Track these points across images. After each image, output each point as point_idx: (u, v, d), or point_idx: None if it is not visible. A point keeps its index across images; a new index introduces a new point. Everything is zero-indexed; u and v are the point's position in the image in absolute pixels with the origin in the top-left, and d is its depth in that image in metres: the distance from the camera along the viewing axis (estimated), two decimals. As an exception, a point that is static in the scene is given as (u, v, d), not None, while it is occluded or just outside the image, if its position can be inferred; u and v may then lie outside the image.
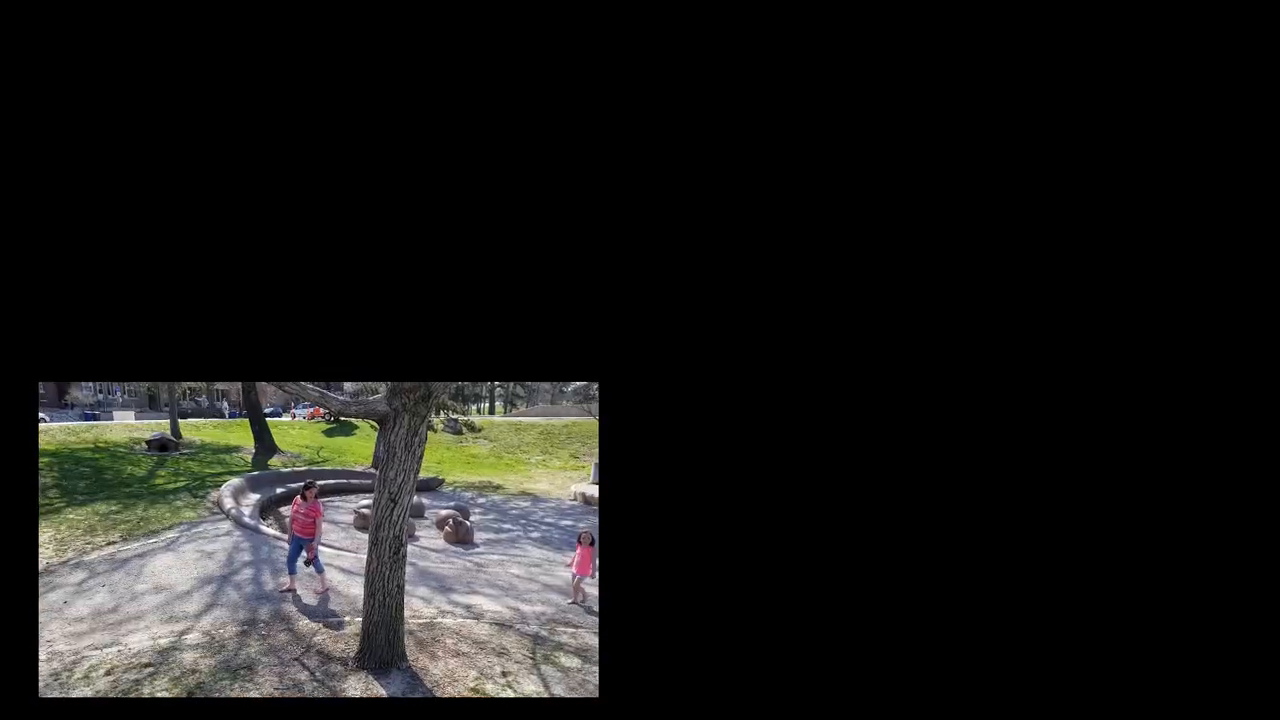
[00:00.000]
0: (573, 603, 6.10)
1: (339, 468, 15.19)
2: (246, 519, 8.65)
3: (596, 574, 6.15)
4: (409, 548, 8.51)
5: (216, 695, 3.55)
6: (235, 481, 11.19)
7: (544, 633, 5.09)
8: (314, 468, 14.91)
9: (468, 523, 9.83)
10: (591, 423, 22.31)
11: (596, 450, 19.70)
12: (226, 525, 8.24)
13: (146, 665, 3.90)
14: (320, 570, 5.86)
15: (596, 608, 5.80)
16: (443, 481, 15.04)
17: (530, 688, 4.01)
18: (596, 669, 4.38)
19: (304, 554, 5.82)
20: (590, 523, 11.71)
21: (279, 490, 11.86)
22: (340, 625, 4.83)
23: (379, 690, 3.78)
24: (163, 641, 4.34)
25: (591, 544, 6.23)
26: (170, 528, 8.10)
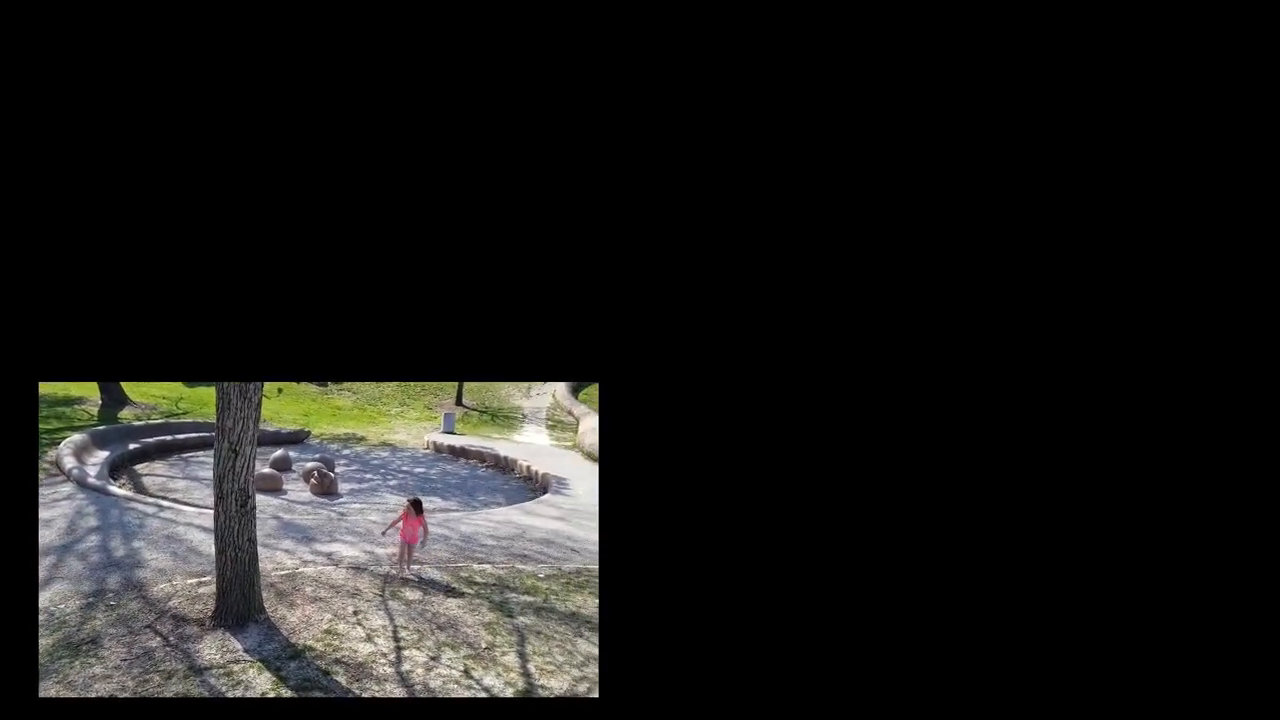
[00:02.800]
0: (400, 575, 4.76)
1: (200, 420, 13.20)
2: (92, 479, 7.26)
3: (424, 542, 5.15)
4: (276, 501, 7.79)
5: (54, 674, 3.07)
6: (77, 438, 9.13)
7: (393, 571, 4.93)
8: (172, 420, 12.87)
9: (332, 474, 9.09)
10: (448, 377, 21.31)
11: (448, 401, 18.94)
12: (68, 488, 6.91)
13: (-25, 649, 3.26)
14: None
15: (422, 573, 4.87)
16: (309, 434, 13.69)
17: (378, 622, 3.91)
18: (438, 598, 4.34)
19: None
20: (440, 469, 11.32)
21: (133, 446, 10.12)
22: (199, 585, 4.33)
23: (235, 645, 3.48)
24: (-6, 622, 3.63)
25: (420, 512, 4.96)
26: None
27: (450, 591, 4.22)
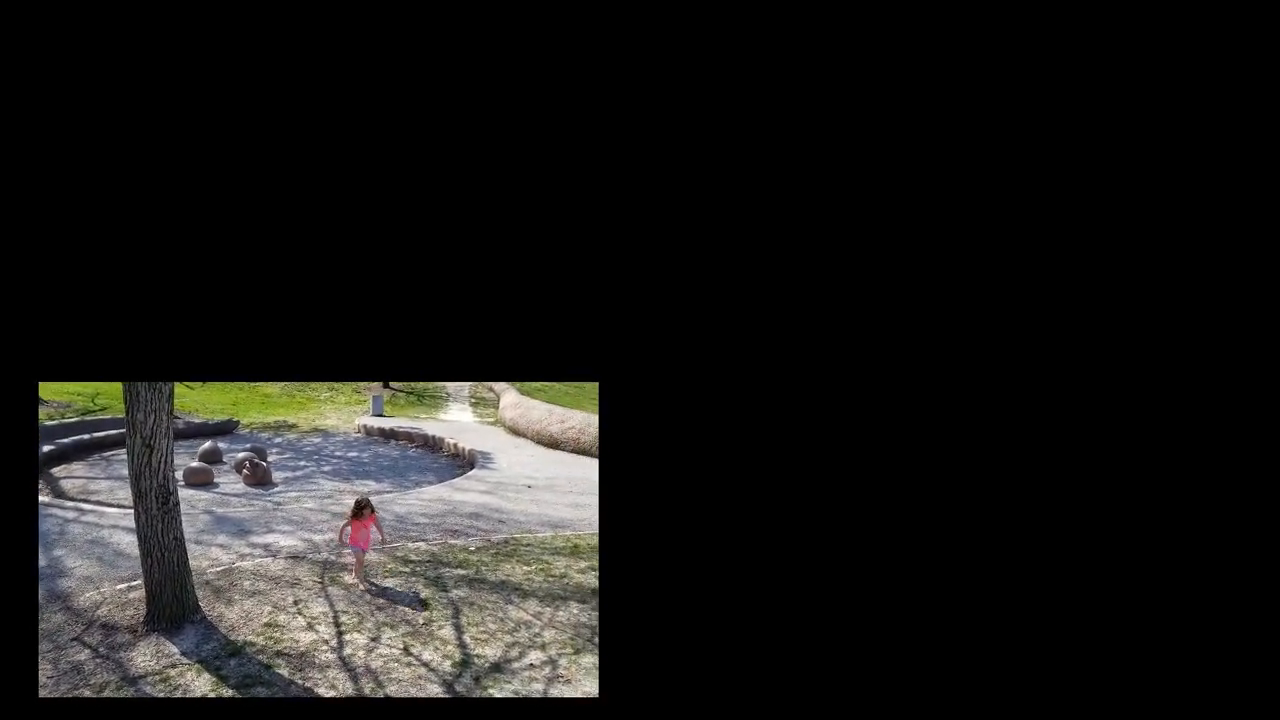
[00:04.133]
0: (361, 584, 4.15)
1: (121, 416, 11.71)
2: (2, 489, 6.37)
3: (381, 541, 4.62)
4: (208, 495, 7.17)
5: None
6: (-17, 447, 8.00)
7: (332, 557, 4.75)
8: (89, 418, 11.38)
9: (265, 464, 8.45)
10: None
11: (375, 384, 17.95)
12: (-25, 500, 6.00)
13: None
14: None
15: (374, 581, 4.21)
16: (238, 424, 12.55)
17: (319, 609, 3.78)
18: (377, 580, 4.25)
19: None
20: (372, 452, 10.80)
21: (48, 448, 8.90)
22: (129, 590, 3.97)
23: (171, 649, 3.25)
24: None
25: (373, 513, 4.29)
26: (-107, 512, 5.69)
27: (421, 604, 4.00)
